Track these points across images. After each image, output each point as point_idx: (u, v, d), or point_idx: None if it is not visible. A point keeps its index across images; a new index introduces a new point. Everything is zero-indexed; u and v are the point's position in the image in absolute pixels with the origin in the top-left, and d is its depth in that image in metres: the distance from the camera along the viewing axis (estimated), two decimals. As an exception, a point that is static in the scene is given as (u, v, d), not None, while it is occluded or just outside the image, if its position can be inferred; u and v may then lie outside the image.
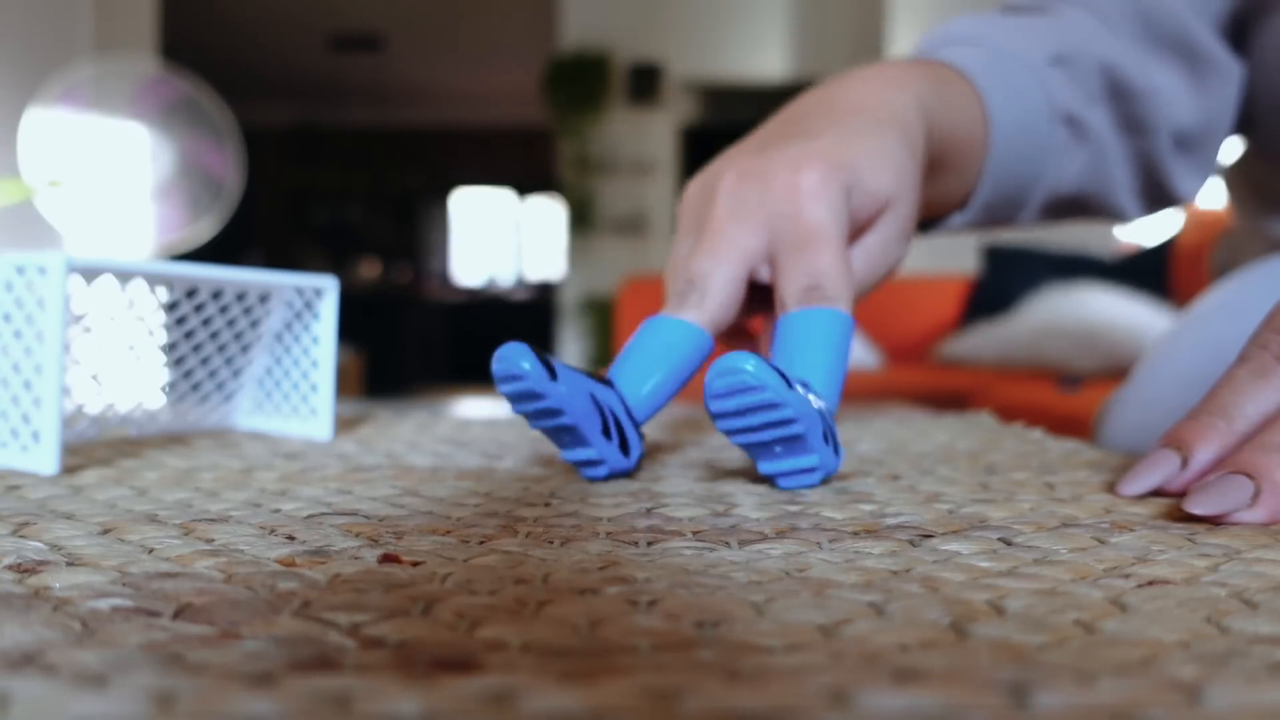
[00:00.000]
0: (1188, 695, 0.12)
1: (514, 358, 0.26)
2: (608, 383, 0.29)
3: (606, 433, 0.28)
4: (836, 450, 0.28)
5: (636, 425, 0.29)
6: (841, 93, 0.36)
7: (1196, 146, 0.47)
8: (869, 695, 0.12)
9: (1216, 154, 0.48)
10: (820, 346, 0.29)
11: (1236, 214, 0.54)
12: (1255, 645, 0.14)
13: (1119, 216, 0.50)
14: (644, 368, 0.30)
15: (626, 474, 0.30)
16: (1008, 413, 0.51)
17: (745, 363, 0.25)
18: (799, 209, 0.31)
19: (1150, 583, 0.18)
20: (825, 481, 0.29)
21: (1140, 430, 0.45)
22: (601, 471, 0.29)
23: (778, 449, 0.27)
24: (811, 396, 0.26)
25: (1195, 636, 0.15)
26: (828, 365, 0.29)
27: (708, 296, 0.31)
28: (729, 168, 0.33)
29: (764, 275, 0.32)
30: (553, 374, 0.26)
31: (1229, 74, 0.46)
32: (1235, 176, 0.53)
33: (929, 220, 0.46)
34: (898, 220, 0.34)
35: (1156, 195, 0.49)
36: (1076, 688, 0.13)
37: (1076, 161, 0.45)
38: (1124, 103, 0.45)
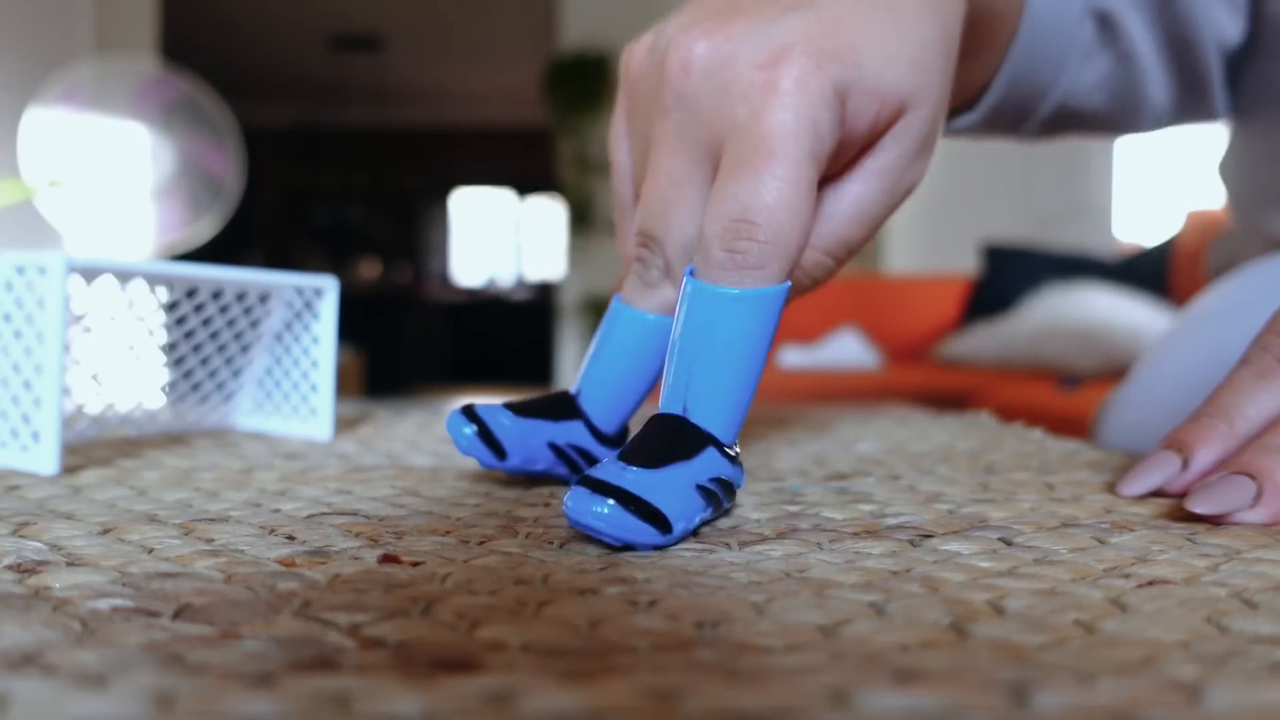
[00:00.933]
0: (1188, 695, 0.12)
1: (461, 436, 0.26)
2: (571, 407, 0.27)
3: (574, 470, 0.27)
4: (730, 495, 0.23)
5: (611, 440, 0.27)
6: None
7: (1232, 68, 0.43)
8: (869, 695, 0.12)
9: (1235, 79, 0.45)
10: (726, 347, 0.22)
11: (1233, 211, 0.54)
12: (1255, 645, 0.14)
13: (1129, 131, 0.44)
14: (612, 374, 0.27)
15: None
16: (1008, 413, 0.50)
17: (600, 514, 0.20)
18: (761, 110, 0.23)
19: (1150, 583, 0.18)
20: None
21: (1138, 431, 0.45)
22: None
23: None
24: (697, 465, 0.22)
25: (1195, 636, 0.15)
26: (732, 379, 0.23)
27: (671, 271, 0.26)
28: (677, 45, 0.25)
29: None
30: (500, 453, 0.26)
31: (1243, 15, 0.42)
32: (1231, 172, 0.53)
33: None
34: (918, 127, 0.26)
35: (1192, 111, 0.44)
36: (1076, 688, 0.13)
37: (1098, 67, 0.39)
38: (1168, 12, 0.39)
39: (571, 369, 4.12)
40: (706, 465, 0.22)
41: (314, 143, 6.85)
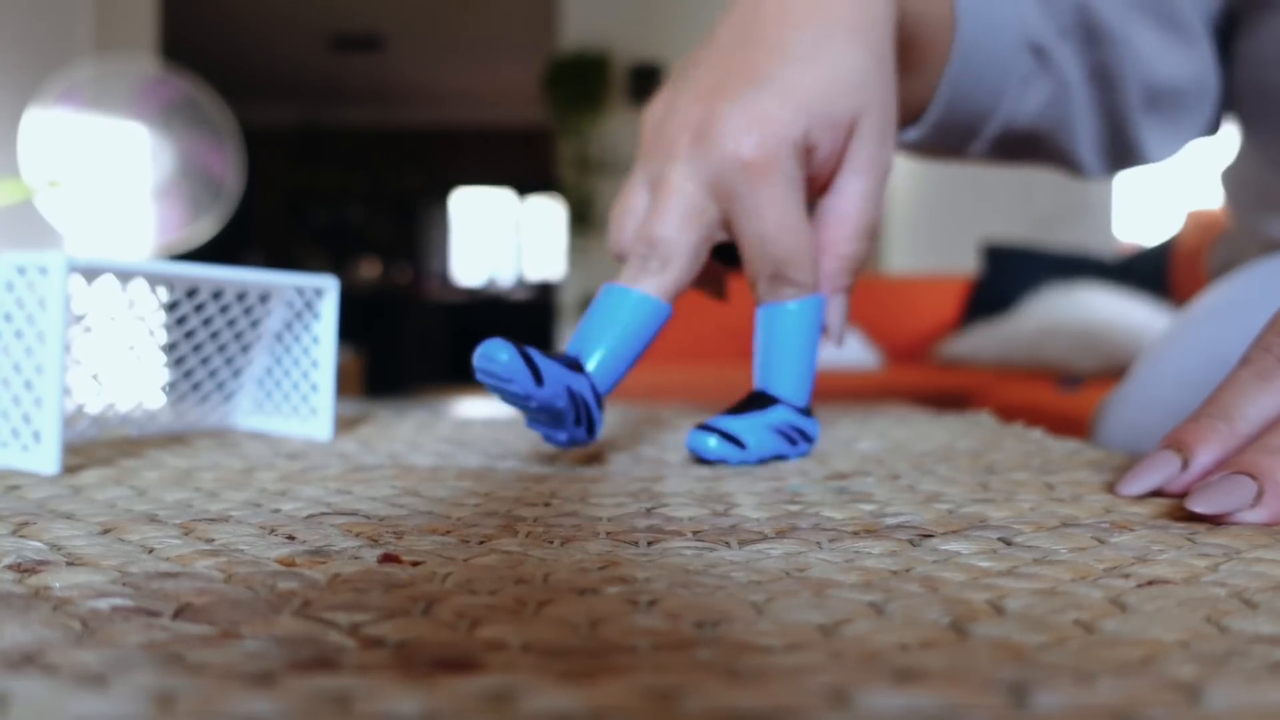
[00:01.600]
0: (1187, 695, 0.12)
1: (497, 360, 0.27)
2: (579, 368, 0.31)
3: (578, 421, 0.31)
4: (806, 439, 0.34)
5: (601, 405, 0.32)
6: None
7: (1171, 108, 0.46)
8: (869, 695, 0.12)
9: (1197, 121, 0.47)
10: (784, 344, 0.33)
11: (1233, 215, 0.54)
12: (1255, 645, 0.14)
13: (1076, 168, 0.48)
14: (608, 343, 0.31)
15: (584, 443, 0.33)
16: (1008, 413, 0.50)
17: (708, 443, 0.32)
18: (751, 190, 0.31)
19: (1150, 583, 0.18)
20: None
21: (1136, 431, 0.45)
22: (563, 443, 0.32)
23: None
24: (770, 414, 0.33)
25: (1195, 636, 0.15)
26: (792, 363, 0.34)
27: (670, 266, 0.32)
28: (682, 120, 0.33)
29: (720, 237, 0.33)
30: (539, 379, 0.28)
31: (1206, 52, 0.45)
32: (1231, 177, 0.53)
33: None
34: (873, 128, 0.33)
35: (1121, 153, 0.48)
36: (1076, 687, 0.13)
37: (1038, 95, 0.43)
38: (1095, 48, 0.43)
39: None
40: (777, 415, 0.33)
41: (314, 143, 6.85)
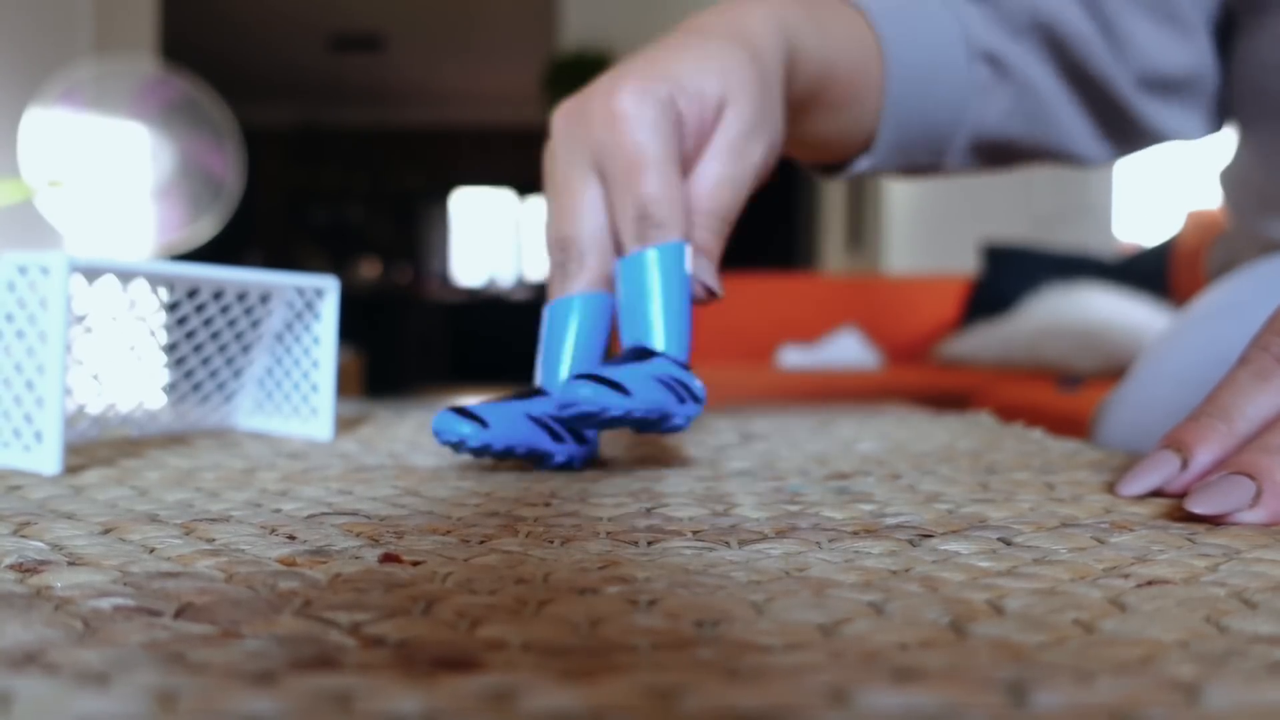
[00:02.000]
0: (1186, 694, 0.12)
1: (448, 428, 0.28)
2: (535, 391, 0.32)
3: (558, 437, 0.30)
4: (694, 398, 0.30)
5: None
6: (691, 21, 0.36)
7: (1175, 93, 0.46)
8: (868, 694, 0.12)
9: (1211, 104, 0.47)
10: (657, 293, 0.30)
11: (1232, 216, 0.54)
12: (1254, 645, 0.14)
13: (1080, 160, 0.48)
14: (560, 358, 0.32)
15: (593, 456, 0.33)
16: (1008, 413, 0.50)
17: (581, 390, 0.27)
18: (618, 135, 0.31)
19: (1150, 583, 0.18)
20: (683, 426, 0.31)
21: (1135, 431, 0.45)
22: (574, 464, 0.32)
23: (641, 427, 0.30)
24: (653, 365, 0.29)
25: (1194, 636, 0.15)
26: (667, 313, 0.30)
27: (585, 261, 0.32)
28: (557, 112, 0.34)
29: None
30: (481, 423, 0.30)
31: (1205, 47, 0.45)
32: (1230, 178, 0.53)
33: (836, 163, 0.45)
34: (740, 118, 0.33)
35: (1129, 135, 0.47)
36: (1075, 687, 0.13)
37: (1002, 100, 0.44)
38: (1058, 47, 0.44)
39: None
40: (660, 367, 0.30)
41: (314, 143, 6.85)
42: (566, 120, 0.33)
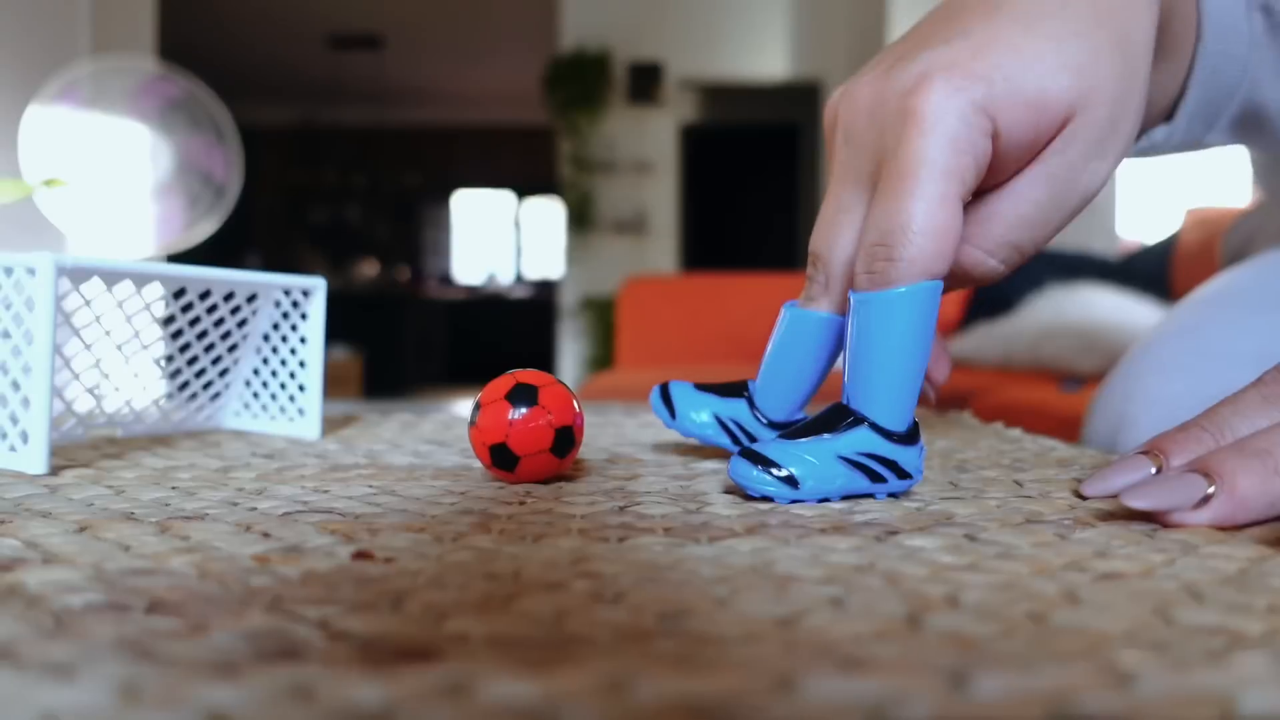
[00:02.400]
0: (1121, 681, 0.13)
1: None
2: (741, 389, 0.32)
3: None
4: (898, 475, 0.26)
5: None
6: None
7: None
8: (813, 681, 0.13)
9: None
10: (880, 343, 0.25)
11: (1262, 193, 0.52)
12: (1196, 635, 0.15)
13: None
14: (779, 364, 0.31)
15: None
16: (1010, 413, 0.51)
17: (747, 475, 0.25)
18: (902, 139, 0.25)
19: (1105, 576, 0.18)
20: (900, 496, 0.27)
21: (1121, 419, 0.45)
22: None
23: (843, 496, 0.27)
24: (845, 440, 0.26)
25: (1141, 626, 0.15)
26: (885, 371, 0.25)
27: (830, 283, 0.29)
28: (848, 93, 0.28)
29: None
30: (671, 413, 0.32)
31: None
32: (1265, 156, 0.51)
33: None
34: (1087, 131, 0.26)
35: None
36: (1016, 675, 0.13)
37: (1268, 59, 0.37)
38: None
39: (571, 368, 4.13)
40: (854, 440, 0.26)
41: (313, 143, 6.85)
42: (855, 109, 0.28)
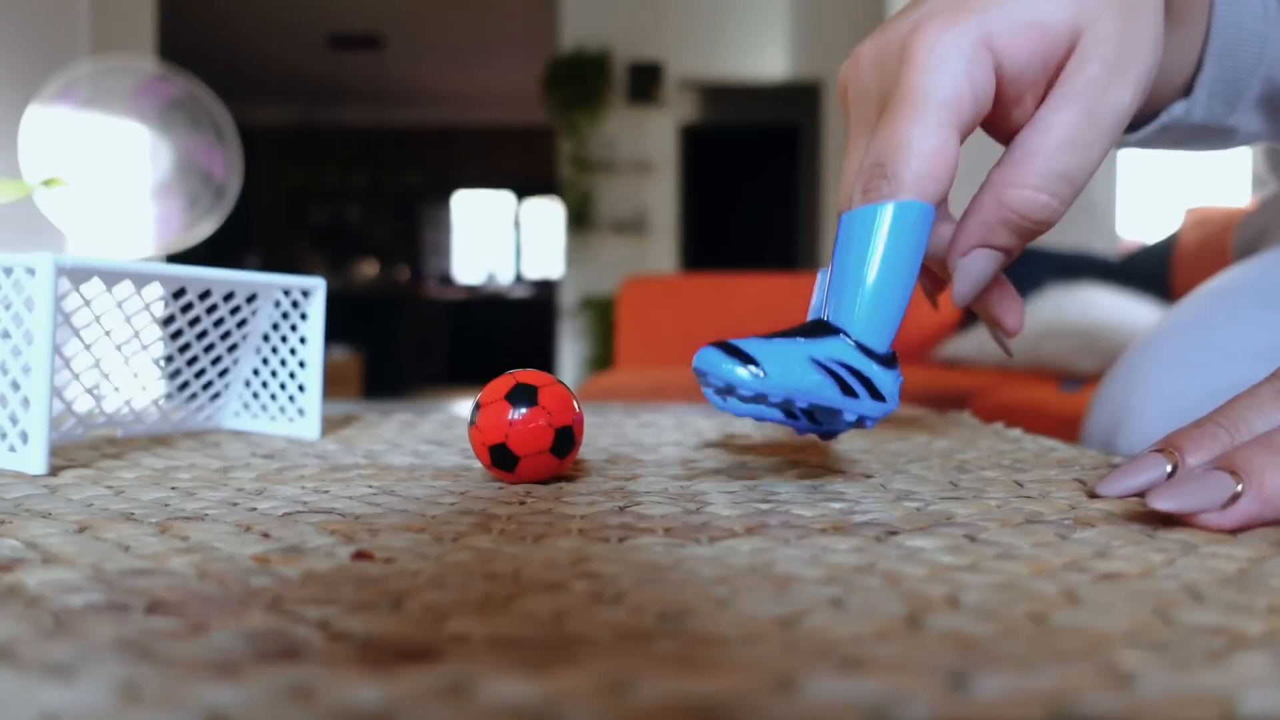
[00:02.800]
0: (1122, 681, 0.13)
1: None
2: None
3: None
4: (871, 393, 0.25)
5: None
6: None
7: None
8: (814, 682, 0.13)
9: None
10: (865, 259, 0.25)
11: (1275, 183, 0.52)
12: (1196, 635, 0.15)
13: None
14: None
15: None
16: (1010, 413, 0.51)
17: (704, 356, 0.24)
18: (902, 77, 0.26)
19: (1105, 576, 0.18)
20: (860, 425, 0.26)
21: (1124, 411, 0.45)
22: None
23: (803, 421, 0.25)
24: (820, 344, 0.24)
25: (1141, 627, 0.15)
26: (868, 286, 0.24)
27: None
28: (854, 56, 0.29)
29: None
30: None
31: None
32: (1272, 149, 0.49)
33: (1140, 117, 0.37)
34: (1098, 45, 0.26)
35: None
36: (1016, 675, 0.13)
37: None
38: None
39: (571, 368, 4.13)
40: (829, 347, 0.24)
41: (313, 143, 6.85)
42: (858, 65, 0.28)
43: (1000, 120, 0.28)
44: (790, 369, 0.24)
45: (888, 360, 0.25)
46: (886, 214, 0.25)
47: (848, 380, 0.24)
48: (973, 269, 0.29)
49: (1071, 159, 0.27)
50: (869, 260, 0.25)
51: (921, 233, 0.25)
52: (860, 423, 0.25)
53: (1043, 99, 0.27)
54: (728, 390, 0.24)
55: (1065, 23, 0.26)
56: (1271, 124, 0.41)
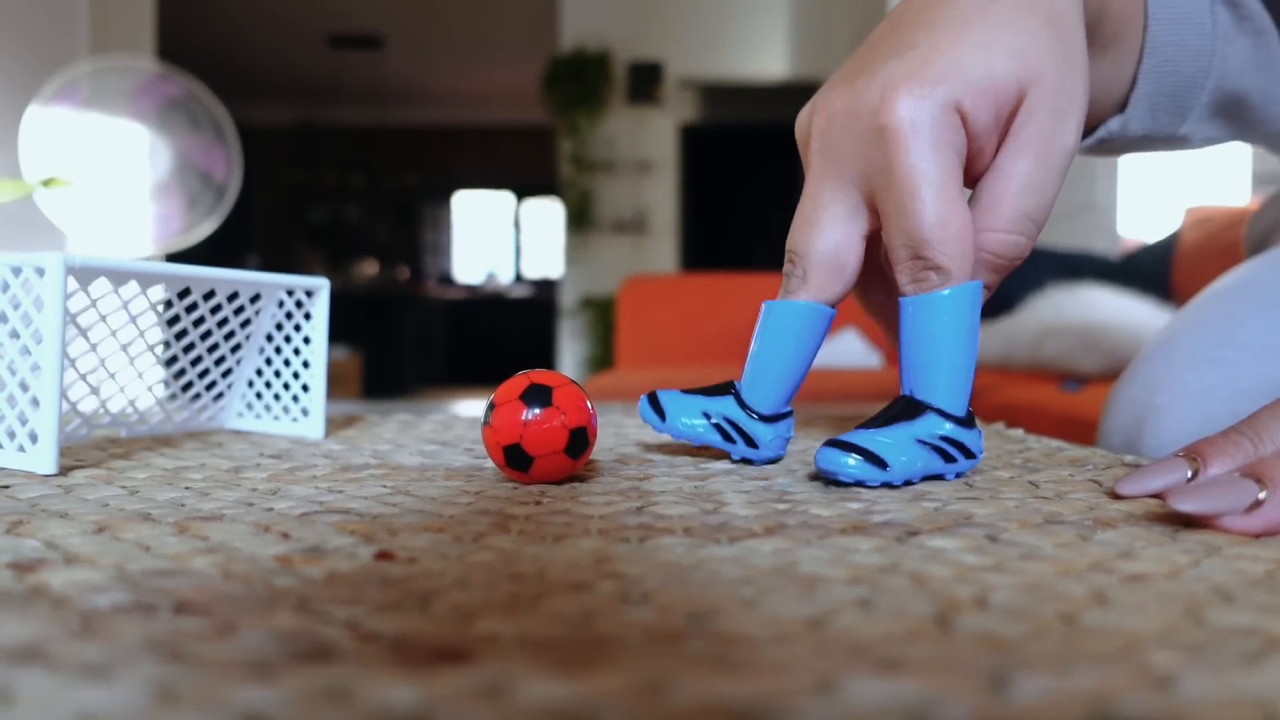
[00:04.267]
0: (1162, 684, 0.13)
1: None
2: (727, 388, 0.33)
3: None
4: (965, 454, 0.29)
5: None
6: None
7: None
8: (852, 684, 0.13)
9: None
10: (935, 339, 0.29)
11: None
12: (1230, 637, 0.15)
13: None
14: (764, 358, 0.32)
15: (774, 460, 0.33)
16: (1011, 412, 0.50)
17: (841, 463, 0.28)
18: (890, 156, 0.28)
19: (1132, 577, 0.18)
20: (960, 477, 0.30)
21: (1144, 409, 0.44)
22: (753, 457, 0.33)
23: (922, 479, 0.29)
24: (918, 425, 0.29)
25: (1173, 628, 0.15)
26: (944, 362, 0.29)
27: (809, 276, 0.31)
28: (819, 107, 0.31)
29: (876, 225, 0.31)
30: (661, 416, 0.33)
31: None
32: None
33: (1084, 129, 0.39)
34: (1043, 99, 0.29)
35: None
36: (1054, 676, 0.13)
37: (1240, 50, 0.39)
38: None
39: (571, 368, 4.13)
40: (927, 425, 0.29)
41: (313, 142, 6.85)
42: (830, 123, 0.30)
43: (966, 170, 0.30)
44: (904, 458, 0.28)
45: (969, 421, 0.30)
46: (949, 300, 0.28)
47: (948, 450, 0.29)
48: None
49: (1033, 200, 0.30)
50: (940, 342, 0.29)
51: (977, 307, 0.29)
52: (957, 477, 0.30)
53: (998, 147, 0.30)
54: (858, 484, 0.28)
55: (1014, 80, 0.29)
56: (1232, 129, 0.42)
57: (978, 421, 0.30)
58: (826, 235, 0.31)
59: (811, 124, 0.31)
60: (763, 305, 0.32)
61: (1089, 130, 0.40)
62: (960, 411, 0.29)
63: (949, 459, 0.29)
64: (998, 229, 0.30)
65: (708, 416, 0.33)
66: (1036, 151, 0.29)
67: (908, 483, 0.28)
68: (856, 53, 0.32)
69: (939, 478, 0.29)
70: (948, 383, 0.29)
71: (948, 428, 0.29)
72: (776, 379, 0.32)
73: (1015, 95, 0.29)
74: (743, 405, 0.33)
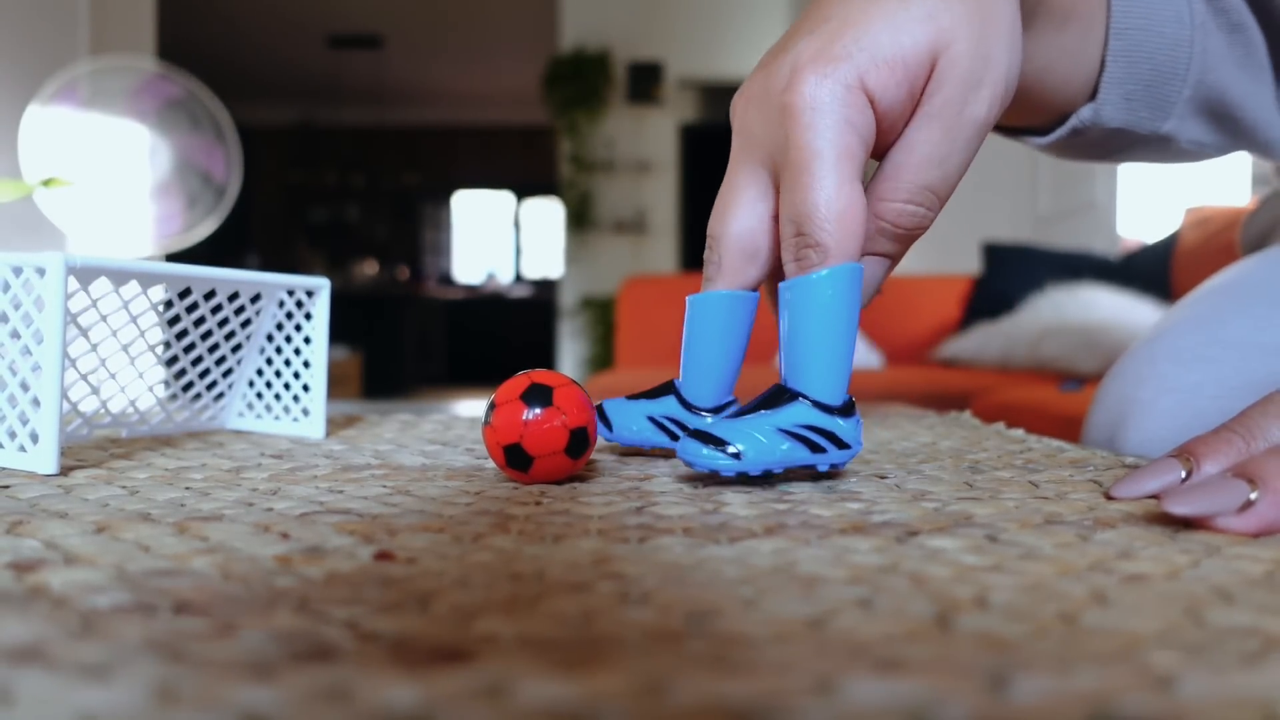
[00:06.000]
0: (1163, 683, 0.13)
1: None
2: (668, 388, 0.34)
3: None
4: (837, 444, 0.28)
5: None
6: None
7: None
8: (852, 683, 0.13)
9: None
10: (809, 324, 0.28)
11: (1278, 174, 0.52)
12: (1230, 637, 0.15)
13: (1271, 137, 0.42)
14: (696, 351, 0.32)
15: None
16: (1010, 413, 0.50)
17: (696, 451, 0.27)
18: (791, 134, 0.28)
19: (1132, 578, 0.18)
20: (833, 470, 0.30)
21: (1130, 406, 0.44)
22: (839, 468, 0.31)
23: (783, 469, 0.28)
24: (784, 413, 0.28)
25: (1173, 628, 0.15)
26: (817, 349, 0.28)
27: (724, 262, 0.31)
28: (742, 90, 0.31)
29: None
30: (609, 426, 0.34)
31: None
32: None
33: (1048, 124, 0.39)
34: (954, 68, 0.28)
35: None
36: (1054, 676, 0.13)
37: (1218, 46, 0.39)
38: (1265, 12, 0.39)
39: (571, 368, 4.13)
40: (792, 414, 0.28)
41: (313, 142, 6.85)
42: (747, 105, 0.30)
43: (878, 144, 0.30)
44: (762, 445, 0.27)
45: (846, 409, 0.28)
46: (823, 282, 0.27)
47: (813, 439, 0.28)
48: (872, 276, 0.31)
49: (935, 173, 0.29)
50: (814, 326, 0.28)
51: (856, 290, 0.28)
52: (832, 469, 0.29)
53: (908, 116, 0.29)
54: (712, 474, 0.28)
55: (924, 50, 0.28)
56: (1218, 134, 0.42)
57: (857, 411, 0.29)
58: (740, 219, 0.30)
59: (733, 110, 0.31)
60: (687, 300, 0.32)
61: (1060, 118, 0.39)
62: (834, 400, 0.28)
63: (816, 449, 0.28)
64: (897, 199, 0.29)
65: (651, 419, 0.33)
66: (942, 122, 0.28)
67: (768, 473, 0.28)
68: (786, 33, 0.32)
69: (811, 469, 0.28)
70: (822, 370, 0.28)
71: (816, 416, 0.28)
72: (712, 372, 0.32)
73: (927, 64, 0.28)
74: (684, 403, 0.33)
